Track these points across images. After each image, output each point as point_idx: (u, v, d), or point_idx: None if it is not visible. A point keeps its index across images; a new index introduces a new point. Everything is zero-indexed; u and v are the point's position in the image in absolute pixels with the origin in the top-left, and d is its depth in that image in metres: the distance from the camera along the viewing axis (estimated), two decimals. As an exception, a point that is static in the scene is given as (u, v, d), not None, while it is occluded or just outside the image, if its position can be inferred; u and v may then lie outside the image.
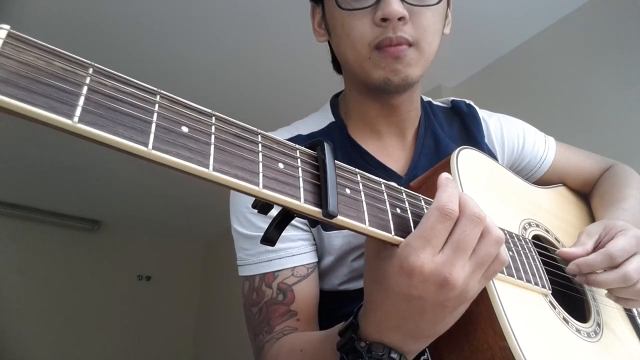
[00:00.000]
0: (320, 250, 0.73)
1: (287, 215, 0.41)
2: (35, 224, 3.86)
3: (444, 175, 0.47)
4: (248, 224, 0.72)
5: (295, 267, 0.69)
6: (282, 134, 0.80)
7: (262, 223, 0.70)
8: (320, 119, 0.83)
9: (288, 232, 0.71)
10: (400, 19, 0.66)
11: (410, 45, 0.68)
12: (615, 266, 0.63)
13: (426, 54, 0.70)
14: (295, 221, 0.71)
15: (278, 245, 0.69)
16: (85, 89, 0.28)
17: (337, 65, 0.84)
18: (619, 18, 1.83)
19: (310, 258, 0.71)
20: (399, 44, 0.67)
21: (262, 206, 0.40)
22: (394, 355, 0.46)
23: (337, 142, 0.78)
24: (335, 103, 0.85)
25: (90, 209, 3.98)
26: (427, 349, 0.52)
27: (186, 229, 4.29)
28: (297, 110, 0.91)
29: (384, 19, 0.66)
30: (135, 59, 2.26)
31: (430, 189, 0.64)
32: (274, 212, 0.41)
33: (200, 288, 4.56)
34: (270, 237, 0.42)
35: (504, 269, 0.55)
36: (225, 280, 3.91)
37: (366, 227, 0.42)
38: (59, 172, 3.26)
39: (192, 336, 4.37)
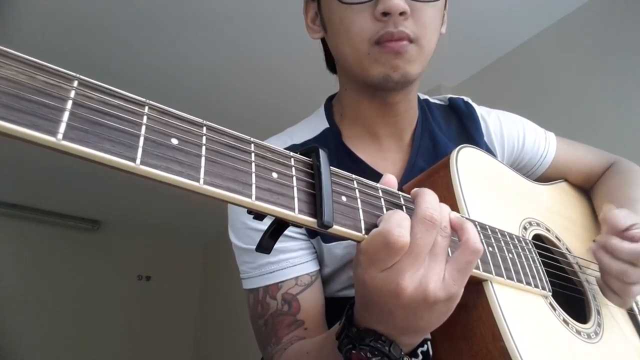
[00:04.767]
0: (319, 260, 0.73)
1: (281, 224, 0.40)
2: (35, 224, 3.85)
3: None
4: (247, 239, 0.72)
5: (298, 276, 0.69)
6: (274, 143, 0.78)
7: (257, 237, 0.70)
8: (314, 125, 0.82)
9: (288, 243, 0.70)
10: (401, 13, 0.64)
11: (411, 41, 0.66)
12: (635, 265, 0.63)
13: (425, 51, 0.69)
14: (295, 233, 0.71)
15: (279, 256, 0.69)
16: (69, 104, 0.27)
17: (331, 64, 0.83)
18: (619, 18, 1.82)
19: (313, 266, 0.71)
20: (400, 39, 0.65)
21: (257, 214, 0.39)
22: (381, 344, 0.45)
23: (331, 150, 0.77)
24: (330, 107, 0.84)
25: (90, 209, 3.98)
26: (428, 342, 0.50)
27: (186, 229, 4.29)
28: (299, 110, 0.90)
29: (385, 13, 0.64)
30: (138, 59, 2.25)
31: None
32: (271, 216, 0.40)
33: (200, 288, 4.56)
34: (265, 245, 0.42)
35: (503, 271, 0.54)
36: (225, 280, 3.91)
37: (362, 235, 0.41)
38: (59, 172, 3.25)
39: (192, 336, 4.37)
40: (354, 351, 0.46)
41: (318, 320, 0.68)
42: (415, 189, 0.47)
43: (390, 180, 0.48)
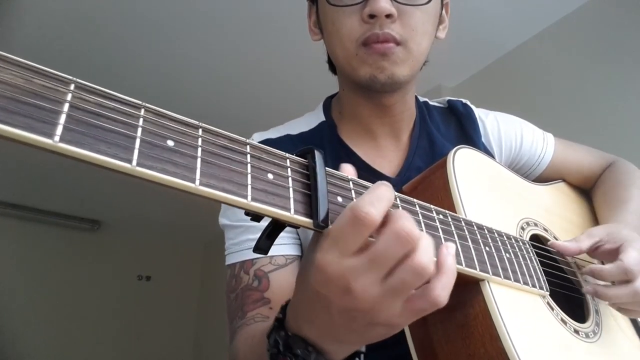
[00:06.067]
0: (305, 245, 0.73)
1: (277, 225, 0.40)
2: (35, 224, 3.86)
3: (380, 182, 0.41)
4: (231, 215, 0.73)
5: (273, 256, 0.69)
6: (272, 134, 0.81)
7: (243, 214, 0.71)
8: (312, 119, 0.84)
9: None
10: (388, 16, 0.66)
11: (397, 43, 0.68)
12: (628, 281, 0.62)
13: (414, 54, 0.70)
14: None
15: (259, 234, 0.70)
16: (66, 106, 0.28)
17: (332, 66, 0.84)
18: (618, 18, 1.82)
19: (290, 250, 0.71)
20: (385, 40, 0.67)
21: (254, 215, 0.39)
22: (307, 353, 0.42)
23: (325, 142, 0.78)
24: (328, 104, 0.86)
25: (90, 209, 3.98)
26: (360, 355, 0.46)
27: (186, 229, 4.29)
28: (299, 109, 0.91)
29: (372, 16, 0.66)
30: (137, 58, 2.26)
31: (425, 191, 0.64)
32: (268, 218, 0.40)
33: (200, 288, 4.56)
34: (262, 247, 0.42)
35: (500, 271, 0.55)
36: (224, 280, 3.90)
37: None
38: (59, 172, 3.26)
39: (192, 336, 4.37)
40: (280, 356, 0.44)
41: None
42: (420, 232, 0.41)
43: (347, 170, 0.45)
